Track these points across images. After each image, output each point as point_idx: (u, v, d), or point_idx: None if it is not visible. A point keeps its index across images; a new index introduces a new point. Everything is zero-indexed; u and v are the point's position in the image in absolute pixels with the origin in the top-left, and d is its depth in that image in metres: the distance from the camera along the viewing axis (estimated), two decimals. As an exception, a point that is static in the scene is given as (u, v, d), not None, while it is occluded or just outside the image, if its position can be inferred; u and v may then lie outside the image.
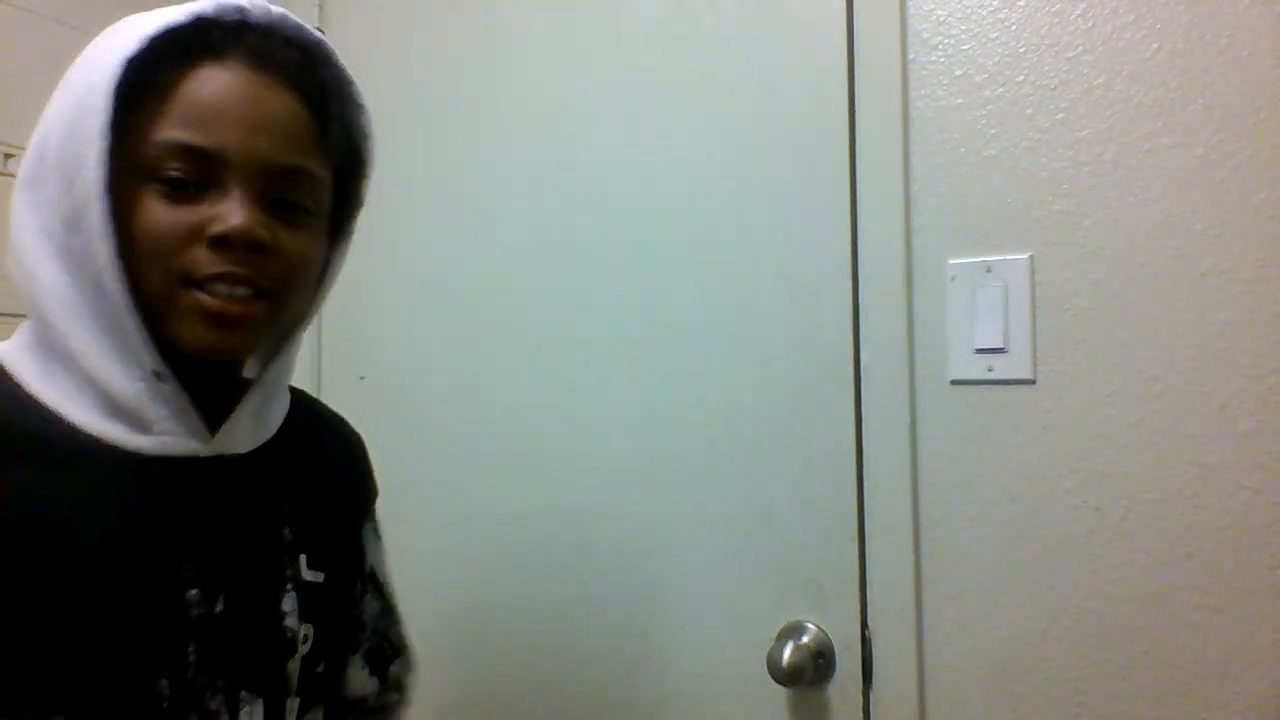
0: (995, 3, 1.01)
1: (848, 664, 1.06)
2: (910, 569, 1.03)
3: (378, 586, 0.87)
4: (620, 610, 1.20)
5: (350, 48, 1.57)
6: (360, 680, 0.83)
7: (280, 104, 0.64)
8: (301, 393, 0.83)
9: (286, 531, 0.71)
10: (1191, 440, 0.91)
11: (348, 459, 0.86)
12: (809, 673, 1.04)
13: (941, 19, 1.04)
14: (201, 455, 0.65)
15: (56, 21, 1.49)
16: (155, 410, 0.62)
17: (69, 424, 0.61)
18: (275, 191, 0.64)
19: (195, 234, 0.61)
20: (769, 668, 1.04)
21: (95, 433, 0.61)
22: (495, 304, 1.33)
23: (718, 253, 1.17)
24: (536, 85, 1.32)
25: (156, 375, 0.62)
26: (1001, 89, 1.01)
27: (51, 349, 0.63)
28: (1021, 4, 1.00)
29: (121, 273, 0.60)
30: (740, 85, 1.16)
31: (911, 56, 1.06)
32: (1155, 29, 0.94)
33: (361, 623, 0.84)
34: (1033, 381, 0.98)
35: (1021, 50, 1.00)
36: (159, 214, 0.60)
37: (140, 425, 0.62)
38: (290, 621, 0.70)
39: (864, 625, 1.06)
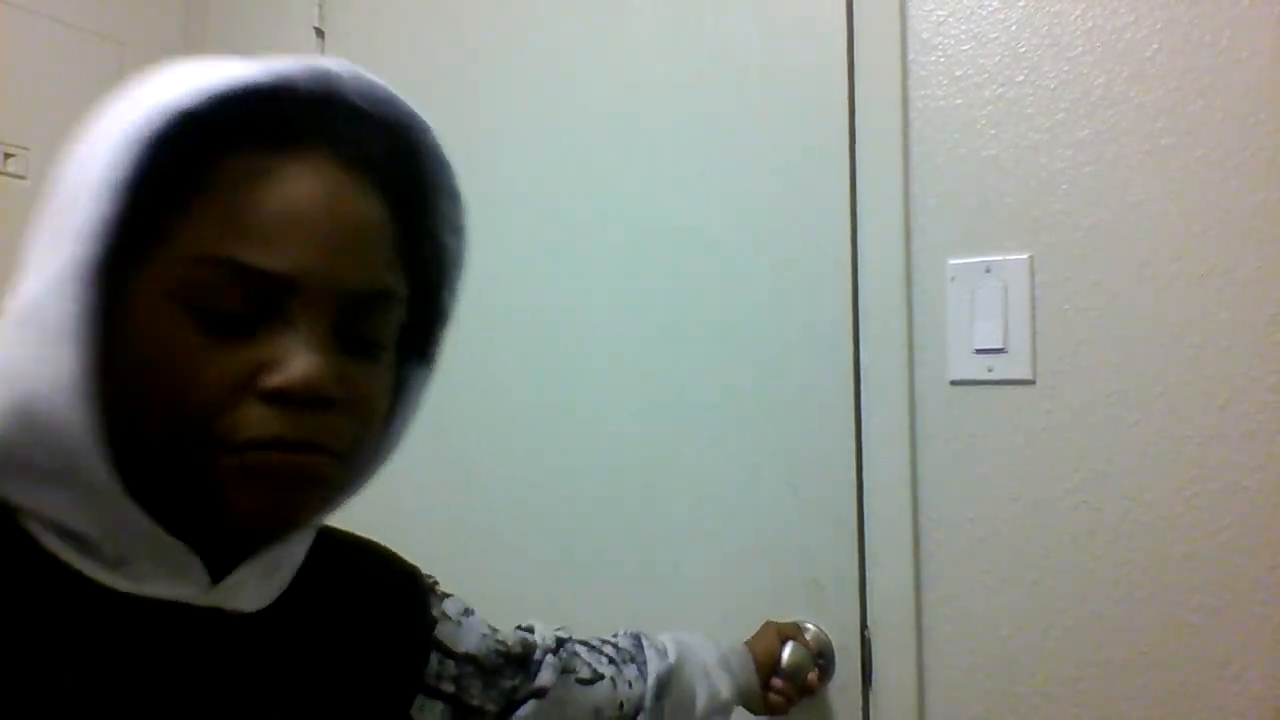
0: (995, 3, 1.01)
1: (848, 664, 1.06)
2: (910, 569, 1.03)
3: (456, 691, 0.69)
4: (619, 610, 1.20)
5: (350, 48, 1.58)
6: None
7: (365, 211, 0.49)
8: (328, 527, 0.62)
9: None
10: (1191, 440, 0.91)
11: (391, 621, 0.65)
12: (809, 673, 1.03)
13: (941, 19, 1.04)
14: (198, 604, 0.49)
15: (57, 21, 1.49)
16: (127, 547, 0.46)
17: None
18: (348, 324, 0.48)
19: (243, 385, 0.45)
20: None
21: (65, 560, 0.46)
22: (494, 302, 1.33)
23: (718, 253, 1.17)
24: (536, 84, 1.32)
25: (132, 522, 0.46)
26: (1001, 89, 1.01)
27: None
28: (1021, 4, 1.00)
29: (89, 394, 0.43)
30: (740, 85, 1.16)
31: (911, 57, 1.06)
32: (1155, 29, 0.94)
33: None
34: (1032, 382, 0.98)
35: (1021, 50, 1.00)
36: (193, 353, 0.44)
37: (113, 560, 0.46)
38: None
39: (864, 625, 1.06)
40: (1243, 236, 0.89)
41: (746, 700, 0.95)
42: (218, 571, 0.50)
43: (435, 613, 0.69)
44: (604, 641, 0.86)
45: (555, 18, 1.31)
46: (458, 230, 0.58)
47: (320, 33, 1.53)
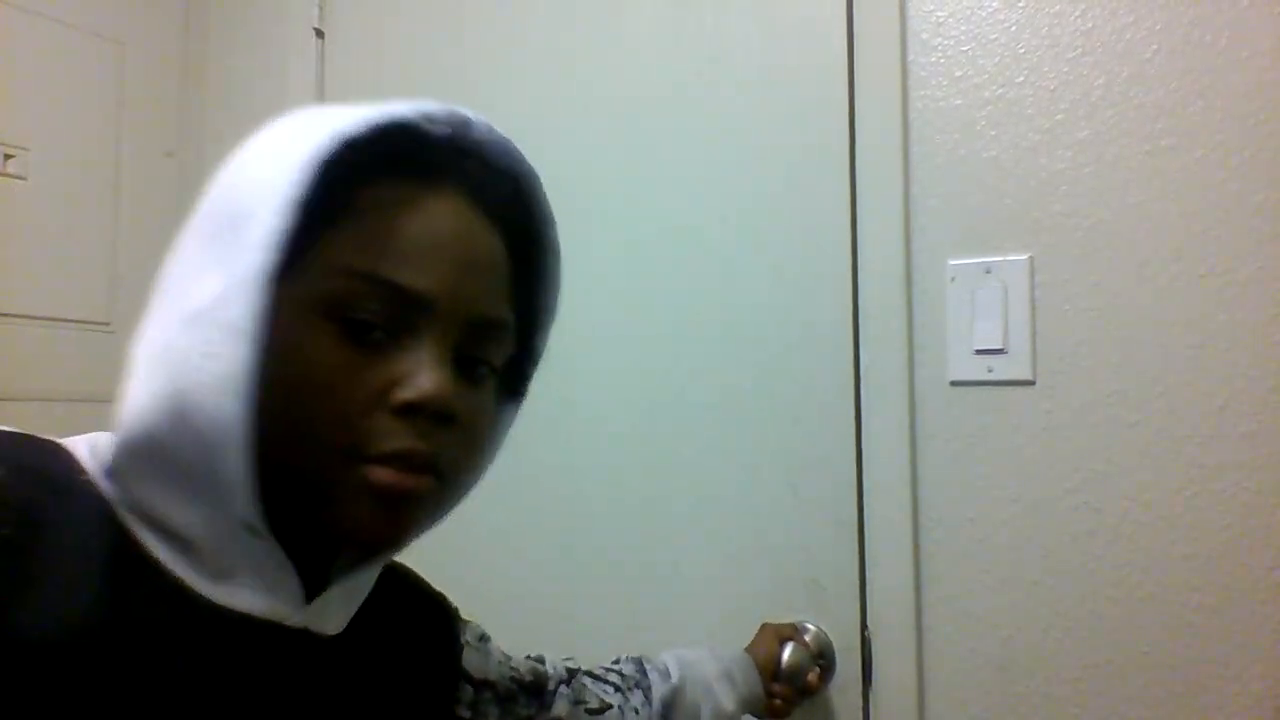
0: (995, 4, 1.02)
1: (848, 664, 1.06)
2: (910, 569, 1.03)
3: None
4: (619, 611, 1.20)
5: (350, 48, 1.58)
6: None
7: (490, 246, 0.54)
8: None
9: None
10: (1191, 440, 0.91)
11: (429, 648, 0.67)
12: (809, 673, 1.03)
13: (941, 20, 1.04)
14: (290, 624, 0.50)
15: (56, 21, 1.49)
16: (235, 558, 0.48)
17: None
18: (466, 346, 0.52)
19: (378, 395, 0.48)
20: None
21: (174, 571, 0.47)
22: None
23: (718, 253, 1.17)
24: (536, 84, 1.32)
25: (249, 530, 0.47)
26: (1001, 90, 1.01)
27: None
28: (1021, 5, 1.00)
29: (248, 392, 0.45)
30: (740, 85, 1.16)
31: (911, 58, 1.06)
32: (1155, 29, 0.94)
33: None
34: (1032, 382, 0.98)
35: (1021, 51, 1.00)
36: (336, 362, 0.47)
37: (216, 571, 0.48)
38: None
39: (864, 625, 1.06)
40: (1243, 236, 0.89)
41: (752, 708, 0.95)
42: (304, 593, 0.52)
43: (461, 640, 0.71)
44: (608, 670, 0.87)
45: (555, 18, 1.31)
46: (555, 282, 0.61)
47: (320, 33, 1.53)
